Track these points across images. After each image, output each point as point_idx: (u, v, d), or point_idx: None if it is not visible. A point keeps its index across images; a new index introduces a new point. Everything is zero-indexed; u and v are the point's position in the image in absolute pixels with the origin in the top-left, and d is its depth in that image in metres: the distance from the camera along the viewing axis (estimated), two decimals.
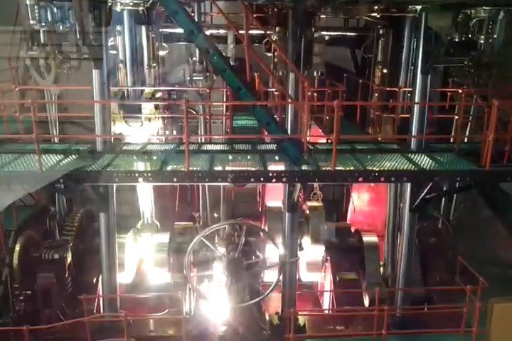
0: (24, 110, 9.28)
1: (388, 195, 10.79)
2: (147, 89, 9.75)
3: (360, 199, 13.06)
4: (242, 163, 8.93)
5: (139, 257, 10.89)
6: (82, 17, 8.33)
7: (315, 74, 11.51)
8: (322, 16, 11.13)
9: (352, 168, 8.66)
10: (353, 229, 11.92)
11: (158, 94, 9.94)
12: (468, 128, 11.10)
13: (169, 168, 8.58)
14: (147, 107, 9.58)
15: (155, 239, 10.87)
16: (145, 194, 10.67)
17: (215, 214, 11.77)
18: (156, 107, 9.67)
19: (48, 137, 10.50)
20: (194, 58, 11.53)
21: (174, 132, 10.62)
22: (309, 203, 11.97)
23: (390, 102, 10.59)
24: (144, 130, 9.67)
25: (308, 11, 9.13)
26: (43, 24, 9.37)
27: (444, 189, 10.18)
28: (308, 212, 11.65)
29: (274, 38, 12.06)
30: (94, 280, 10.18)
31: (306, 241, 11.32)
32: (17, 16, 10.71)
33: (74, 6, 8.31)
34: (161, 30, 11.13)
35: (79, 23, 8.39)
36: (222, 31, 12.84)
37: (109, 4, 8.81)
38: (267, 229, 10.91)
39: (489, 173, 8.59)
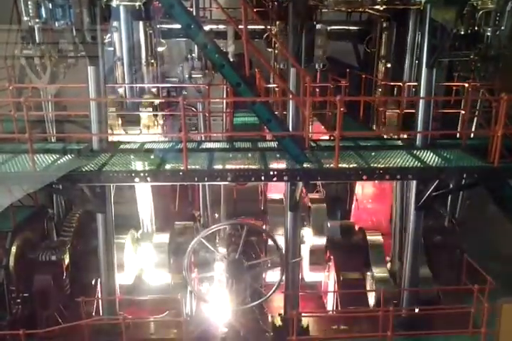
0: (20, 109, 9.07)
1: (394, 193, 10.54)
2: (146, 97, 9.63)
3: (363, 197, 12.79)
4: (242, 161, 8.70)
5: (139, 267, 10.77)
6: (82, 13, 8.13)
7: (317, 66, 11.24)
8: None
9: (355, 166, 8.42)
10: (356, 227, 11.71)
11: (157, 101, 9.83)
12: (474, 123, 10.84)
13: (167, 167, 8.36)
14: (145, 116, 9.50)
15: (155, 240, 10.69)
16: (145, 201, 10.48)
17: (216, 214, 11.52)
18: (155, 115, 9.56)
19: (42, 136, 10.29)
20: (193, 54, 11.31)
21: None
22: (311, 196, 11.74)
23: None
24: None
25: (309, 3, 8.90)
26: (37, 21, 9.19)
27: (451, 186, 9.94)
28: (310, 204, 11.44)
29: (275, 32, 11.83)
30: (93, 281, 9.98)
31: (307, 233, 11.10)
32: (12, 13, 10.53)
33: (73, 2, 8.11)
34: (159, 26, 10.91)
35: (78, 19, 8.19)
36: (221, 26, 12.64)
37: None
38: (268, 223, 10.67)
39: (497, 170, 8.34)
